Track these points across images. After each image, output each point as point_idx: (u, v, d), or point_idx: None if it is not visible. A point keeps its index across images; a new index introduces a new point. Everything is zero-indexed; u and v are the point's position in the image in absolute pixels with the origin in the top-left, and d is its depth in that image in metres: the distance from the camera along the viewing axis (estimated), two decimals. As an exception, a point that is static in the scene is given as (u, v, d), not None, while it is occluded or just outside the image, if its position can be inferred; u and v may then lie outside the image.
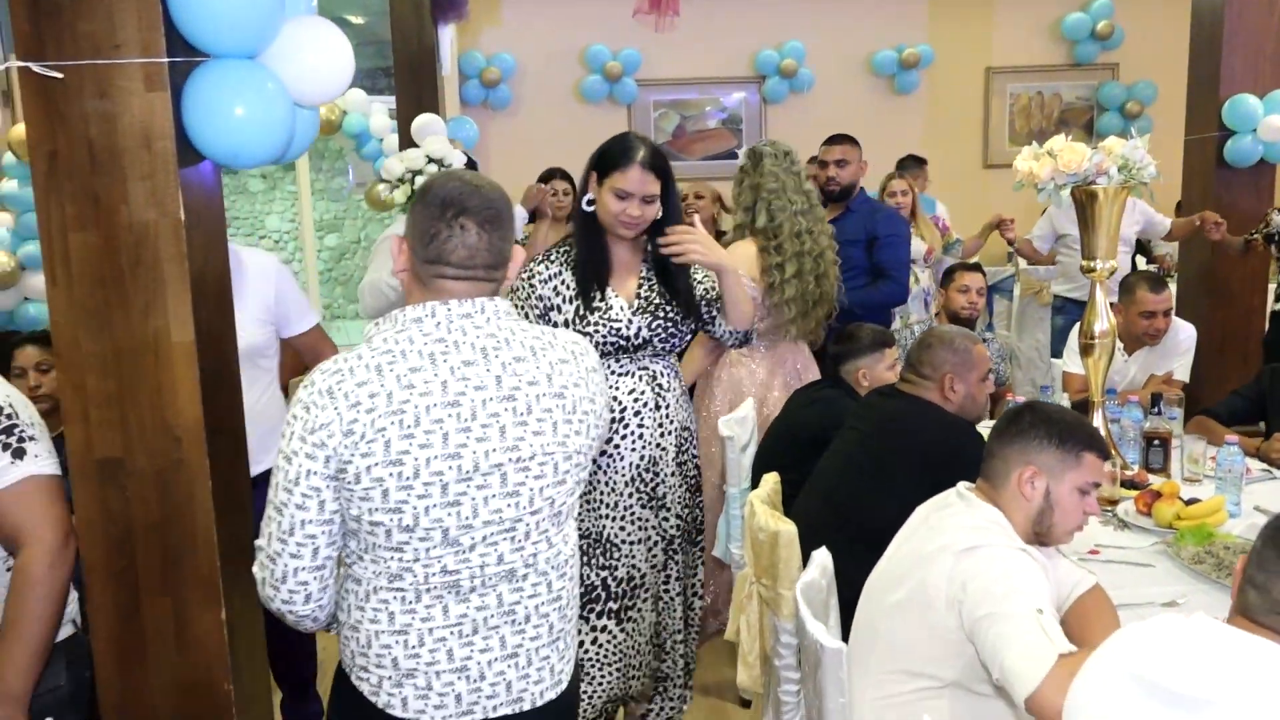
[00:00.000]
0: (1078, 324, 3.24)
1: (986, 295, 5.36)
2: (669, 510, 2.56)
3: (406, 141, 4.70)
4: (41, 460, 1.75)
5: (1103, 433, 2.95)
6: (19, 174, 4.51)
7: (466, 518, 1.46)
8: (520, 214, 4.56)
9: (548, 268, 2.49)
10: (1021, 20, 7.72)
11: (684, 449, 2.62)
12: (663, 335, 2.51)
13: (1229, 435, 2.72)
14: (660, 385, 2.53)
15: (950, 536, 1.85)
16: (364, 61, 7.23)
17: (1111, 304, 3.40)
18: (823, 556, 1.97)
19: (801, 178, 3.34)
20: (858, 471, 2.50)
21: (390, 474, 1.42)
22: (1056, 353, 4.77)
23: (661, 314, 2.50)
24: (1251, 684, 1.18)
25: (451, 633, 1.50)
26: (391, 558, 1.48)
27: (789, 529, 2.12)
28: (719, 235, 4.47)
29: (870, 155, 5.14)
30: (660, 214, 2.46)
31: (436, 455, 1.43)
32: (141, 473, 1.74)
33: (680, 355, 2.82)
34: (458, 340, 1.47)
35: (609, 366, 2.48)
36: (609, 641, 2.52)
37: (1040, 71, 7.84)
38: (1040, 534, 1.92)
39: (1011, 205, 5.65)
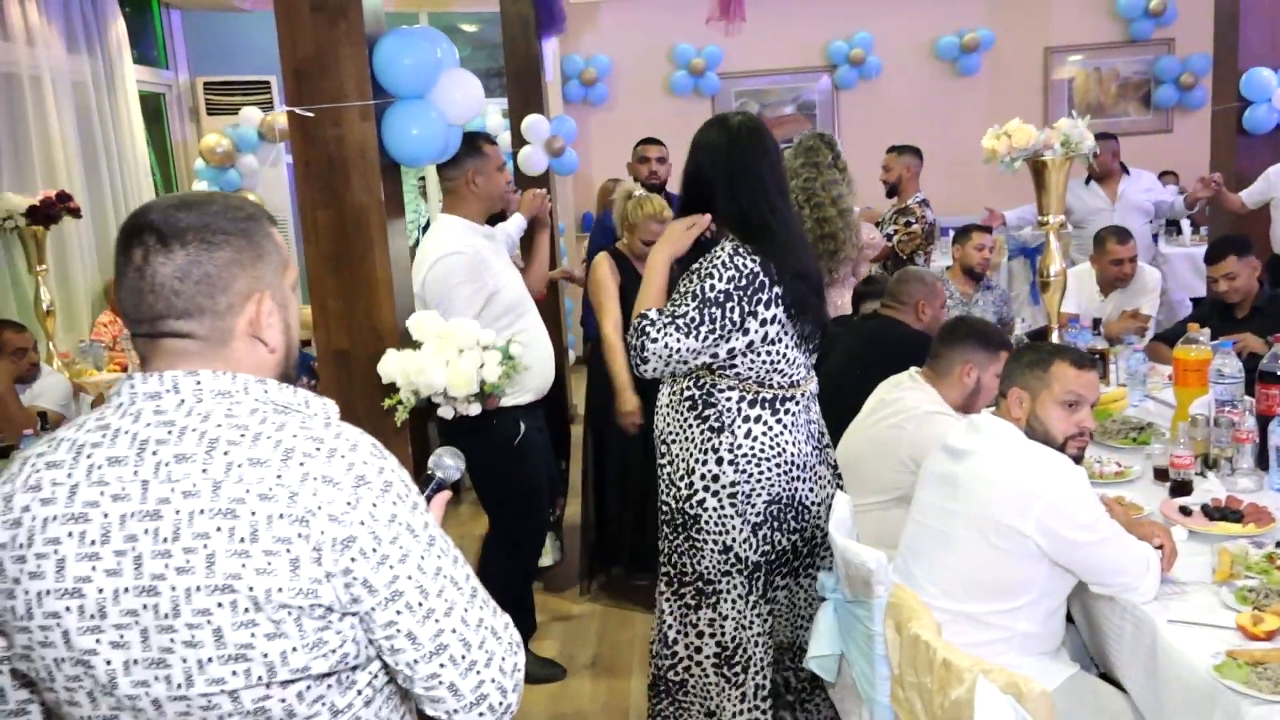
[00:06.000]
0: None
1: None
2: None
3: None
4: None
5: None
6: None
7: (105, 685, 1.05)
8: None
9: None
10: (1077, 1, 8.29)
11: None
12: None
13: (1137, 346, 3.52)
14: None
15: (912, 406, 2.73)
16: (478, 64, 8.16)
17: (1090, 257, 4.19)
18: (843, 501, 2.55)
19: (812, 163, 4.09)
20: (853, 369, 3.39)
21: (3, 609, 1.07)
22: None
23: None
24: (991, 443, 2.08)
25: None
26: None
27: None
28: None
29: (936, 135, 5.86)
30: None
31: (50, 590, 1.04)
32: (359, 358, 2.77)
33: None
34: (122, 429, 1.07)
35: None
36: (787, 598, 2.61)
37: (1097, 49, 8.40)
38: (968, 407, 2.79)
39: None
